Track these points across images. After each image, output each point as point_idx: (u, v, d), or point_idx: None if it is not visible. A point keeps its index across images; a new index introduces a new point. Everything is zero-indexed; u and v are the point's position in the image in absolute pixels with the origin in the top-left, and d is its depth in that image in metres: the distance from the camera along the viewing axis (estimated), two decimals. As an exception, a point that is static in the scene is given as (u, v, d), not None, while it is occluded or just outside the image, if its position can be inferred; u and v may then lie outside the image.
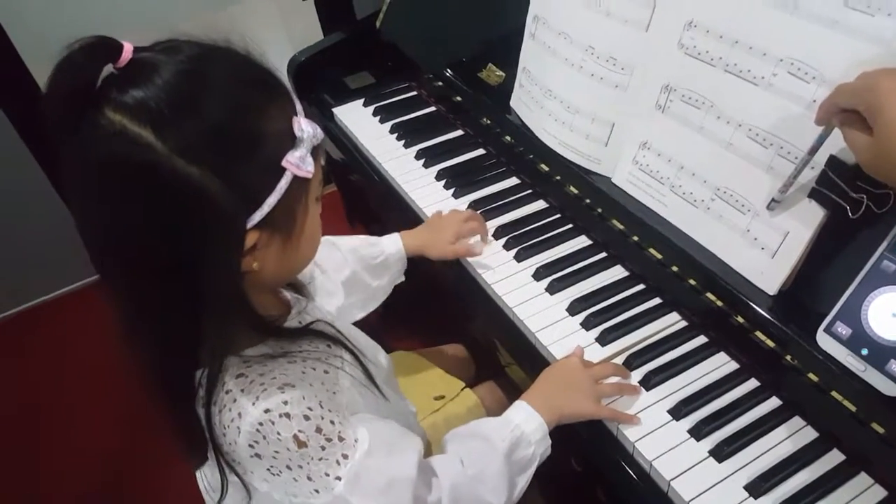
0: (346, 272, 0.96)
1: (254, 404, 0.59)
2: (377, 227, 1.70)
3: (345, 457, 0.62)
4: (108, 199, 0.53)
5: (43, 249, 1.95)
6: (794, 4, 0.72)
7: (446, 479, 0.70)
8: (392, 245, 1.01)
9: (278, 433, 0.59)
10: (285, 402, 0.59)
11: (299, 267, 0.67)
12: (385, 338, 1.20)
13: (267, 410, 0.59)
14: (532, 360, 0.91)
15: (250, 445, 0.59)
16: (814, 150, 0.70)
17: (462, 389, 1.08)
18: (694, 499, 0.72)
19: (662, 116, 0.87)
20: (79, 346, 1.89)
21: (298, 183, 0.58)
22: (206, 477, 0.74)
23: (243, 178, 0.54)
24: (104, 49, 0.51)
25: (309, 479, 0.61)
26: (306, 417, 0.60)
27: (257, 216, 0.55)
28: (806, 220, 0.74)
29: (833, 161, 0.70)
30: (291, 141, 0.57)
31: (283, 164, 0.56)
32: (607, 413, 0.80)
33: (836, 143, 0.69)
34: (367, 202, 1.40)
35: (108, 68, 0.52)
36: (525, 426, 0.76)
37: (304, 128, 0.57)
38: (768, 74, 0.75)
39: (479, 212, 1.08)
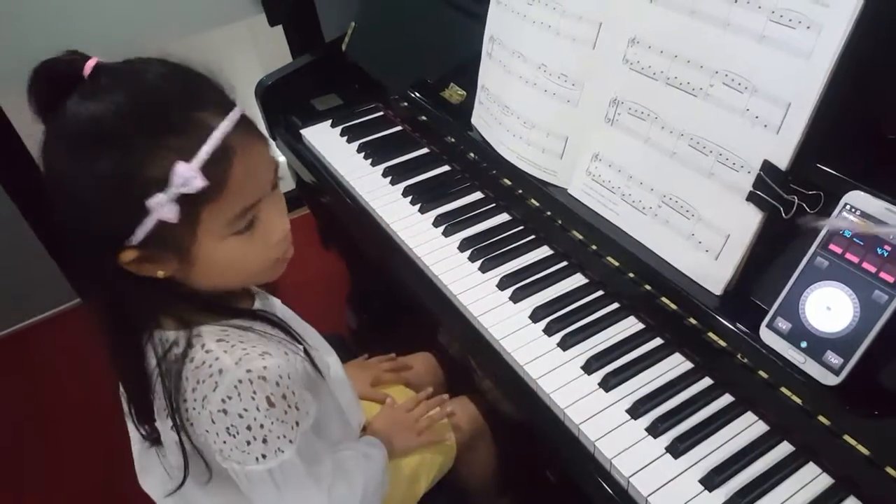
0: None
1: (237, 363, 0.65)
2: (350, 248, 1.73)
3: (297, 423, 0.69)
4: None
5: (37, 268, 1.94)
6: (726, 21, 0.76)
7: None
8: None
9: (254, 392, 0.65)
10: (265, 367, 0.66)
11: (228, 286, 0.73)
12: (355, 348, 1.22)
13: (248, 371, 0.65)
14: (497, 366, 0.94)
15: (222, 400, 0.65)
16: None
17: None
18: (652, 493, 0.75)
19: (611, 129, 0.92)
20: (74, 365, 1.88)
21: (183, 218, 0.61)
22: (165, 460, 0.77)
23: (112, 211, 0.61)
24: (73, 61, 0.62)
25: (264, 441, 0.66)
26: (277, 384, 0.66)
27: (133, 240, 0.62)
28: (745, 222, 0.78)
29: (767, 165, 0.74)
30: (162, 184, 0.60)
31: (147, 203, 0.60)
32: (425, 441, 1.00)
33: (766, 150, 0.74)
34: (339, 224, 1.42)
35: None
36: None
37: (178, 173, 0.59)
38: (706, 86, 0.79)
39: (444, 226, 1.11)
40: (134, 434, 0.78)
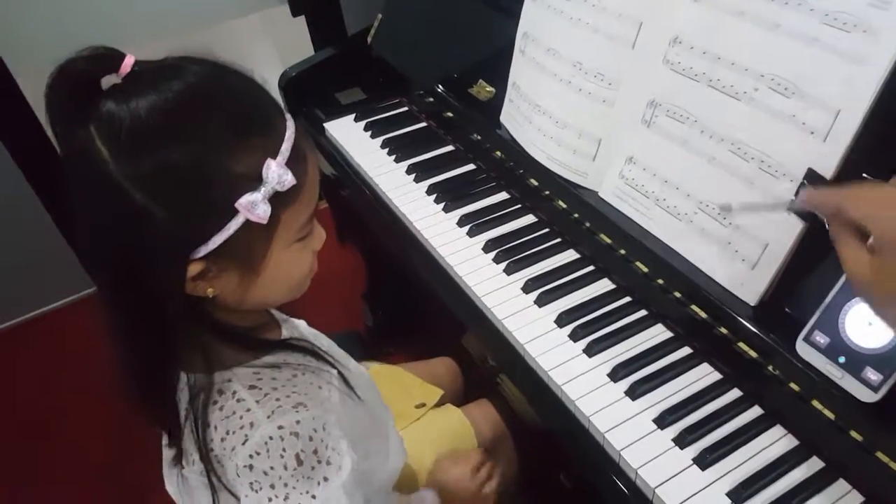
0: None
1: (268, 418, 0.61)
2: (368, 244, 1.72)
3: (325, 479, 0.64)
4: (81, 198, 0.57)
5: (35, 263, 1.95)
6: (775, 22, 0.74)
7: None
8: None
9: (283, 449, 0.61)
10: (297, 422, 0.62)
11: (268, 301, 0.69)
12: (371, 348, 1.21)
13: (280, 427, 0.61)
14: (520, 371, 0.92)
15: (250, 456, 0.61)
16: (777, 208, 0.72)
17: (442, 396, 1.09)
18: (678, 505, 0.74)
19: (648, 131, 0.90)
20: (74, 360, 1.89)
21: (257, 225, 0.57)
22: (181, 482, 0.74)
23: (190, 213, 0.55)
24: (106, 58, 0.55)
25: (286, 498, 0.62)
26: (310, 438, 0.63)
27: (203, 250, 0.56)
28: (785, 232, 0.76)
29: (810, 174, 0.72)
30: (253, 183, 0.56)
31: (236, 205, 0.56)
32: None
33: (811, 157, 0.72)
34: (357, 218, 1.41)
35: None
36: None
37: (272, 170, 0.56)
38: (750, 89, 0.77)
39: (469, 226, 1.10)
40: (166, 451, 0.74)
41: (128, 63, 0.55)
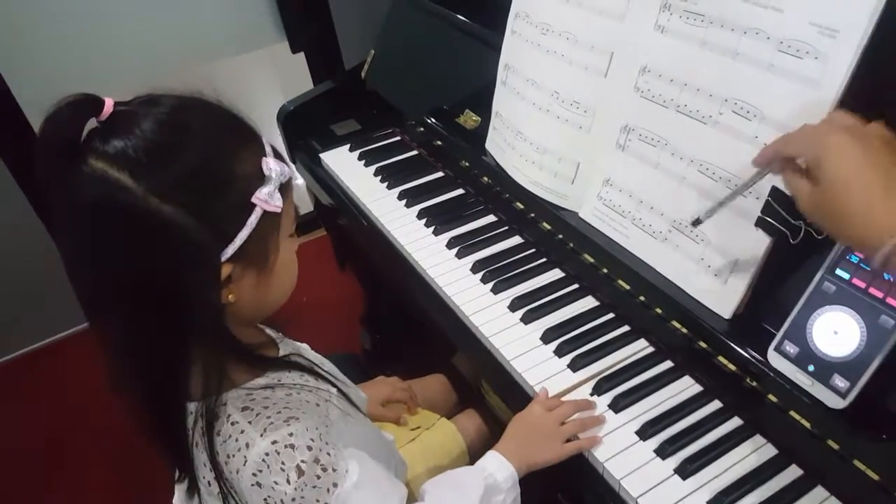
0: None
1: (261, 436, 0.63)
2: (366, 269, 1.75)
3: (335, 485, 0.65)
4: (92, 237, 0.59)
5: (37, 295, 1.96)
6: (735, 50, 0.78)
7: None
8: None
9: (283, 462, 0.62)
10: (291, 434, 0.63)
11: (276, 300, 0.71)
12: (369, 370, 1.24)
13: (274, 442, 0.63)
14: (508, 386, 0.95)
15: (253, 474, 0.63)
16: (746, 187, 0.76)
17: (438, 419, 1.12)
18: (659, 514, 0.76)
19: (623, 154, 0.94)
20: (76, 391, 1.92)
21: (269, 218, 0.63)
22: None
23: (215, 216, 0.60)
24: (88, 104, 0.58)
25: None
26: (308, 448, 0.64)
27: (230, 250, 0.61)
28: (754, 247, 0.79)
29: (775, 192, 0.76)
30: (260, 180, 0.62)
31: (253, 200, 0.61)
32: (572, 450, 0.84)
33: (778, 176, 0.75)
34: (354, 244, 1.45)
35: (93, 122, 0.59)
36: (497, 475, 0.80)
37: (272, 166, 0.63)
38: (715, 114, 0.81)
39: (457, 248, 1.13)
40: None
41: (108, 106, 0.59)
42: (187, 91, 0.63)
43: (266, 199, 0.62)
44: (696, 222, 0.81)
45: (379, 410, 1.08)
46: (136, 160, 0.57)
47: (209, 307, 0.62)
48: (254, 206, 0.61)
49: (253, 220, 0.61)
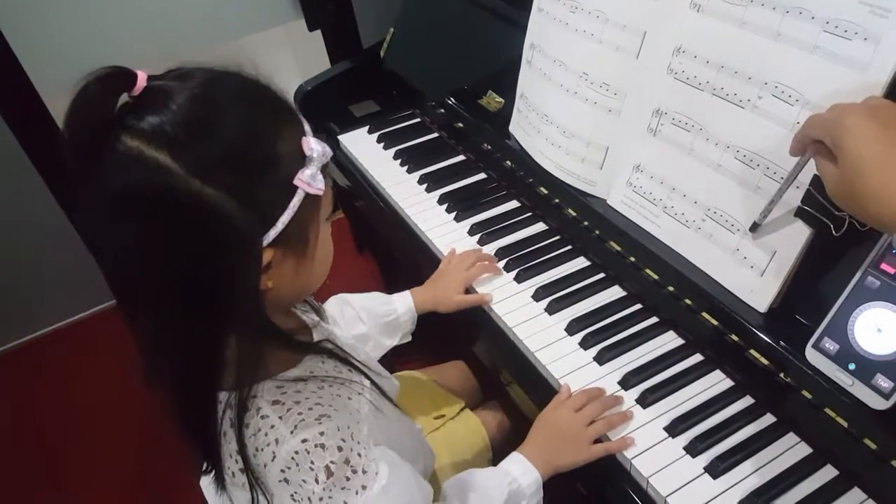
0: (361, 329, 0.99)
1: (292, 433, 0.61)
2: (384, 253, 1.73)
3: (364, 487, 0.63)
4: (128, 222, 0.54)
5: (52, 278, 1.97)
6: (776, 31, 0.74)
7: None
8: (403, 304, 1.03)
9: (312, 462, 0.60)
10: (321, 433, 0.61)
11: (313, 285, 0.69)
12: (389, 357, 1.22)
13: (304, 440, 0.61)
14: (531, 378, 0.93)
15: (282, 470, 0.61)
16: (791, 178, 0.73)
17: (462, 409, 1.10)
18: (689, 514, 0.73)
19: (654, 139, 0.90)
20: (91, 374, 1.92)
21: (310, 201, 0.60)
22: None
23: (258, 198, 0.56)
24: (119, 78, 0.54)
25: None
26: (339, 448, 0.62)
27: (272, 234, 0.57)
28: (793, 238, 0.76)
29: (817, 181, 0.72)
30: (302, 160, 0.59)
31: (296, 182, 0.58)
32: (600, 453, 0.81)
33: (820, 164, 0.71)
34: (374, 228, 1.43)
35: (124, 97, 0.55)
36: (521, 480, 0.79)
37: (314, 147, 0.59)
38: (753, 97, 0.77)
39: (479, 235, 1.11)
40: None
41: (141, 80, 0.55)
42: (222, 66, 0.59)
43: (309, 181, 0.58)
44: (754, 227, 0.78)
45: (460, 300, 1.02)
46: (174, 137, 0.52)
47: (249, 294, 0.58)
48: (295, 188, 0.58)
49: (295, 203, 0.58)
